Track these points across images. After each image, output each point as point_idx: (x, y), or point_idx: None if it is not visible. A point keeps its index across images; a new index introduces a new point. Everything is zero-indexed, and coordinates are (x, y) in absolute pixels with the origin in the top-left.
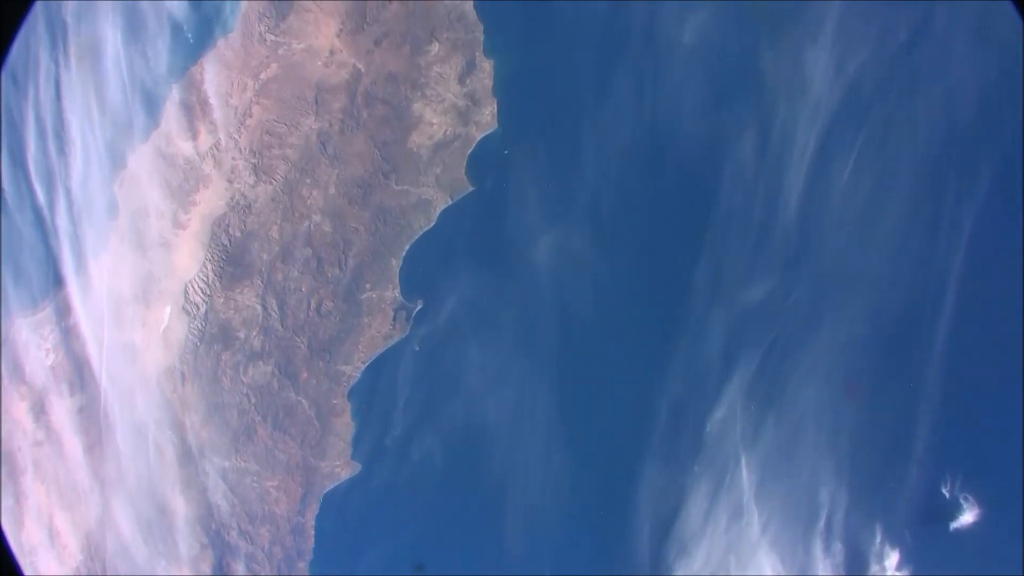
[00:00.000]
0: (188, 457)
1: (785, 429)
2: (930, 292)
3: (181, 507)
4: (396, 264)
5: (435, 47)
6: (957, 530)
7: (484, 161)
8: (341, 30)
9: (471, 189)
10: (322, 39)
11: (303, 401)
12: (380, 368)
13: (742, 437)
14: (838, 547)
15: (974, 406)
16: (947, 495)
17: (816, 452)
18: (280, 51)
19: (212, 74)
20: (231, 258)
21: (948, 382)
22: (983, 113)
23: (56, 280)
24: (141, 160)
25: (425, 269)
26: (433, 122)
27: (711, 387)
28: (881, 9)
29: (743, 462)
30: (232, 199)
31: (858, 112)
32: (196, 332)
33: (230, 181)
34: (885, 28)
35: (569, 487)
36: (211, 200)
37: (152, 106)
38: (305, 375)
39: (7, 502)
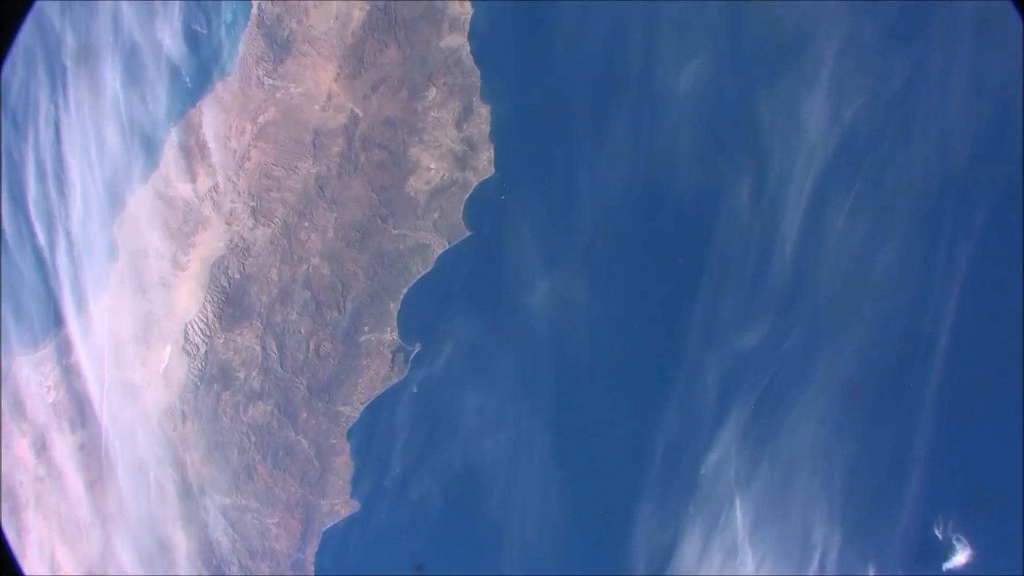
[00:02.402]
0: (189, 494)
1: (779, 471)
2: (924, 334)
3: (182, 543)
4: (394, 307)
5: (432, 92)
6: (950, 571)
7: (481, 206)
8: (338, 75)
9: (468, 234)
10: (320, 83)
11: (303, 440)
12: (379, 409)
13: (736, 478)
14: None
15: (967, 447)
16: (940, 536)
17: (810, 493)
18: (278, 95)
19: (210, 117)
20: (230, 300)
21: (941, 423)
22: (980, 152)
23: (57, 319)
24: (140, 202)
25: (423, 312)
26: (430, 167)
27: (706, 430)
28: (876, 55)
29: (737, 503)
30: (231, 241)
31: (853, 158)
32: (196, 372)
33: (229, 223)
34: (881, 74)
35: (565, 527)
36: (210, 242)
37: (151, 149)
38: (304, 415)
39: (8, 535)
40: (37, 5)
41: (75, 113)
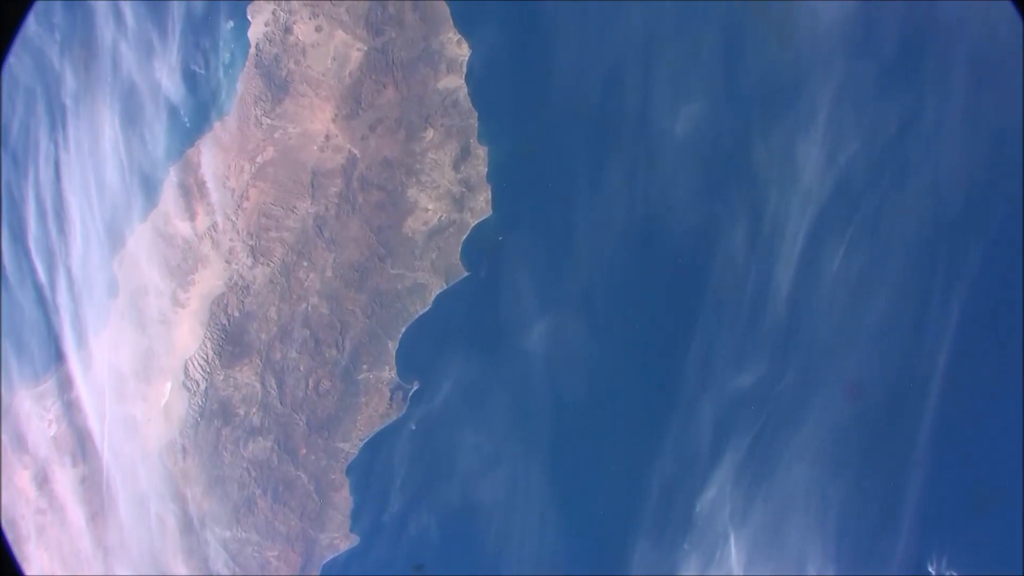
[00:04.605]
0: (189, 527)
1: (774, 508)
2: (918, 374)
3: (183, 575)
4: (392, 346)
5: (430, 133)
6: None
7: (479, 247)
8: (336, 115)
9: (466, 274)
10: (317, 124)
11: (302, 475)
12: (378, 446)
13: (731, 516)
14: None
15: (961, 484)
16: (934, 573)
17: (804, 530)
18: (276, 135)
19: (209, 157)
20: (230, 337)
21: (935, 461)
22: (975, 194)
23: (58, 354)
24: (140, 240)
25: (421, 351)
26: (428, 208)
27: (701, 468)
28: (872, 99)
29: (732, 540)
30: (230, 279)
31: (848, 202)
32: (196, 408)
33: (228, 262)
34: (876, 117)
35: (562, 563)
36: (209, 280)
37: (150, 187)
38: (304, 451)
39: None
40: (37, 6)
41: (75, 152)
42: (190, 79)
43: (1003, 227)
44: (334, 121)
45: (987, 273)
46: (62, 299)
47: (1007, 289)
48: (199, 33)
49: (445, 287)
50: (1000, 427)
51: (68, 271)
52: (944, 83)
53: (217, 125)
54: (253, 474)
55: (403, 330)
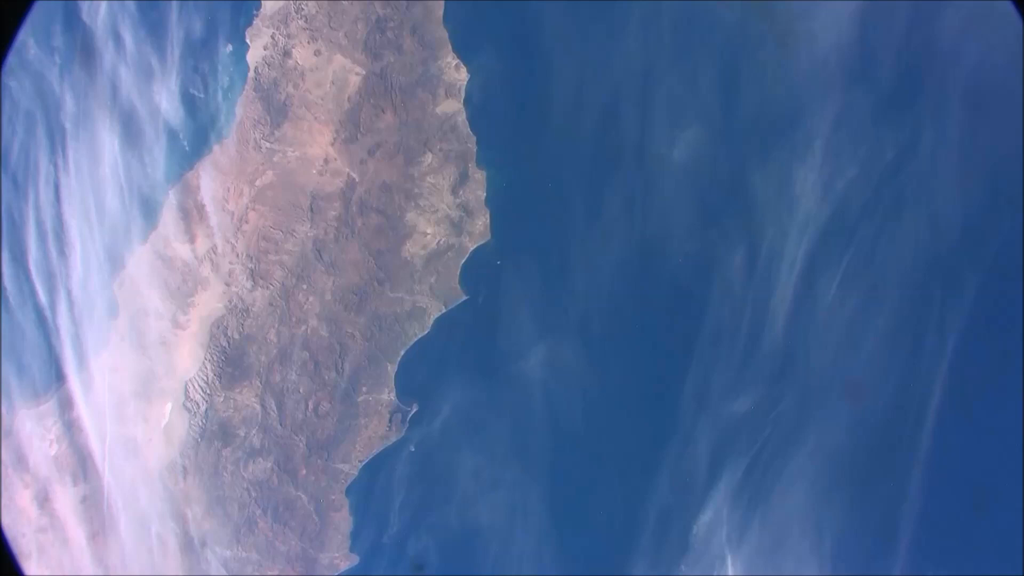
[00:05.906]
0: (190, 547)
1: (770, 531)
2: (913, 400)
3: None
4: (391, 369)
5: (428, 158)
6: None
7: (477, 271)
8: (335, 139)
9: (465, 298)
10: (316, 148)
11: (302, 496)
12: (377, 467)
13: (728, 539)
14: None
15: (956, 508)
16: None
17: (800, 553)
18: (275, 158)
19: (208, 180)
20: (230, 359)
21: (932, 485)
22: (972, 222)
23: (58, 375)
24: (140, 262)
25: (420, 374)
26: (427, 232)
27: (698, 492)
28: (869, 126)
29: (729, 562)
30: (230, 302)
31: (845, 229)
32: (197, 429)
33: (228, 284)
34: (873, 145)
35: None
36: (209, 302)
37: (149, 210)
38: (304, 472)
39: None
40: (37, 26)
41: (75, 174)
42: (189, 103)
43: (1002, 253)
44: (333, 145)
45: (985, 300)
46: (62, 320)
47: (1005, 316)
48: (198, 57)
49: (444, 311)
50: (998, 453)
51: (68, 292)
52: (943, 106)
53: (216, 148)
54: (253, 494)
55: (402, 353)
